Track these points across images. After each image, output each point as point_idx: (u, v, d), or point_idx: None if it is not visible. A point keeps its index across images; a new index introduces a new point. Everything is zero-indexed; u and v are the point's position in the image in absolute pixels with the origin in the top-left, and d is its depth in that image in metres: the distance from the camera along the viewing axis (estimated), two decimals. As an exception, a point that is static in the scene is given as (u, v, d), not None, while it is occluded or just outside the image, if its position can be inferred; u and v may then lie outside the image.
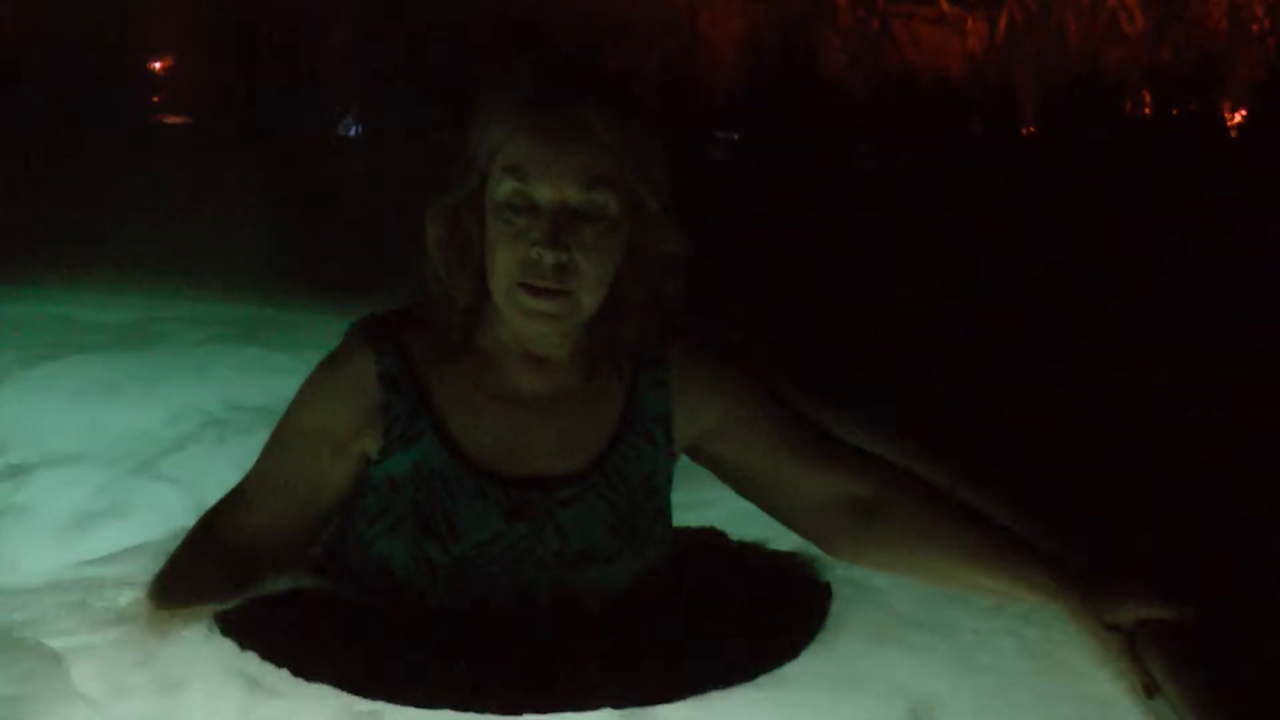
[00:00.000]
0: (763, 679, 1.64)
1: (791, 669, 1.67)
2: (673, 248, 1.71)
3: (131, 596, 1.69)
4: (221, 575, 1.68)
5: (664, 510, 1.80)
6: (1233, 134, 6.55)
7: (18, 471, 2.53)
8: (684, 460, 1.85)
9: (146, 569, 1.72)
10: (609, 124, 1.61)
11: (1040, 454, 2.51)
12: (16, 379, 3.04)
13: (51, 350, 3.32)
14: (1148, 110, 6.44)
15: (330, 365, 1.75)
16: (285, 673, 1.55)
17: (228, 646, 1.59)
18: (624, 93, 1.67)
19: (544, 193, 1.61)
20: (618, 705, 1.56)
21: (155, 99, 6.62)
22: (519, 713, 1.52)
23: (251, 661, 1.57)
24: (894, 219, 5.04)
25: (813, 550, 1.89)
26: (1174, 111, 6.21)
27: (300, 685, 1.54)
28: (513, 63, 1.69)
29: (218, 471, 1.80)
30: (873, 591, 1.85)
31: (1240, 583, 1.89)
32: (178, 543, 1.75)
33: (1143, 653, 1.61)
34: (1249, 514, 2.21)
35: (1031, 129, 6.47)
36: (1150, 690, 1.60)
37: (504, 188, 1.62)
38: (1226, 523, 2.18)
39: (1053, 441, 2.62)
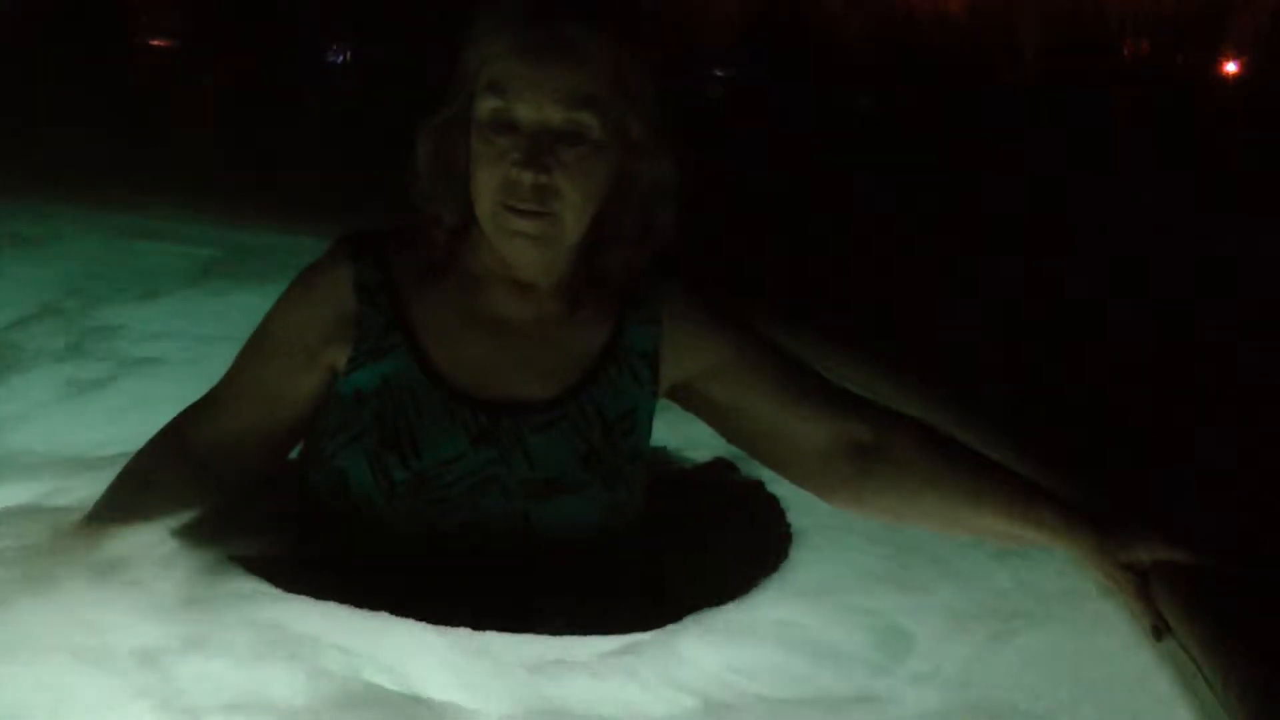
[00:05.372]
0: (710, 623, 1.60)
1: (746, 614, 1.64)
2: (663, 175, 1.65)
3: (87, 502, 1.66)
4: (179, 483, 1.65)
5: (640, 450, 1.74)
6: (1228, 82, 6.55)
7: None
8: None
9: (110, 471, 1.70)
10: (595, 44, 1.57)
11: (1041, 403, 2.49)
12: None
13: (33, 264, 3.27)
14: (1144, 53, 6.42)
15: (308, 273, 1.73)
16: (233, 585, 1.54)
17: (179, 558, 1.57)
18: (616, 13, 1.62)
19: (524, 112, 1.57)
20: (555, 632, 1.53)
21: (139, 20, 6.54)
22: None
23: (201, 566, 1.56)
24: (889, 159, 5.02)
25: (790, 492, 1.86)
26: (1178, 56, 6.19)
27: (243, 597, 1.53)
28: None
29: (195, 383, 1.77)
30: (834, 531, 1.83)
31: (1254, 527, 1.87)
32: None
33: (1155, 594, 1.59)
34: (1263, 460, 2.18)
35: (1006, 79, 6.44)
36: (1160, 632, 1.58)
37: (486, 106, 1.59)
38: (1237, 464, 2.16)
39: (1054, 389, 2.59)
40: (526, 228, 1.58)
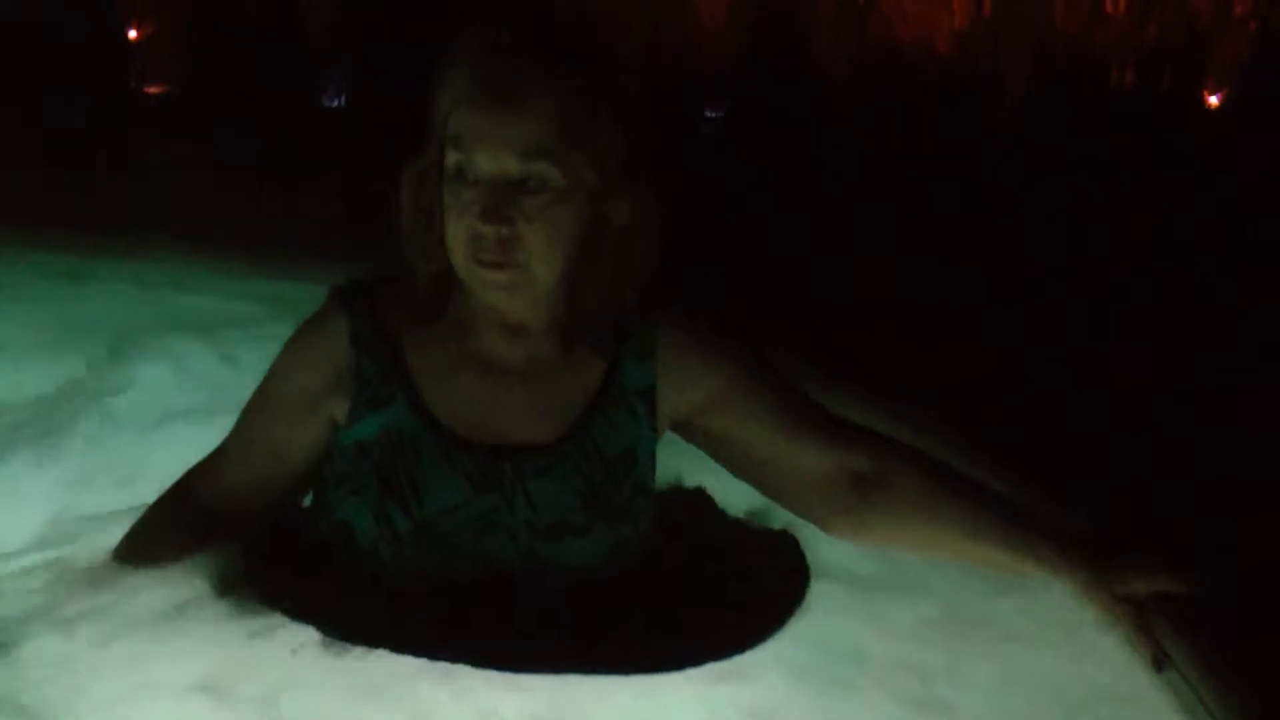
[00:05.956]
0: (723, 663, 1.62)
1: (757, 654, 1.66)
2: (638, 215, 1.66)
3: (102, 550, 1.71)
4: (189, 533, 1.68)
5: (643, 486, 1.76)
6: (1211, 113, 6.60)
7: (15, 430, 2.53)
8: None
9: (122, 524, 1.74)
10: (548, 94, 1.57)
11: (1038, 431, 2.52)
12: (20, 340, 3.02)
13: (60, 314, 3.29)
14: (1129, 86, 6.47)
15: (305, 327, 1.76)
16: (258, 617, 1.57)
17: (192, 601, 1.60)
18: (572, 61, 1.61)
19: (483, 164, 1.58)
20: (573, 671, 1.55)
21: (135, 68, 6.56)
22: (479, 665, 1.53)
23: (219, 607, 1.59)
24: (884, 193, 5.05)
25: (793, 523, 1.88)
26: (1162, 87, 6.25)
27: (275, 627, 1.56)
28: (467, 27, 1.64)
29: (214, 433, 1.80)
30: (851, 576, 1.84)
31: (1248, 554, 1.89)
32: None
33: (1154, 625, 1.61)
34: (1256, 490, 2.21)
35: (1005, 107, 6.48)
36: (1160, 663, 1.60)
37: (450, 159, 1.61)
38: (1232, 497, 2.18)
39: (1051, 417, 2.62)
40: (496, 279, 1.60)
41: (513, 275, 1.60)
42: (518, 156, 1.57)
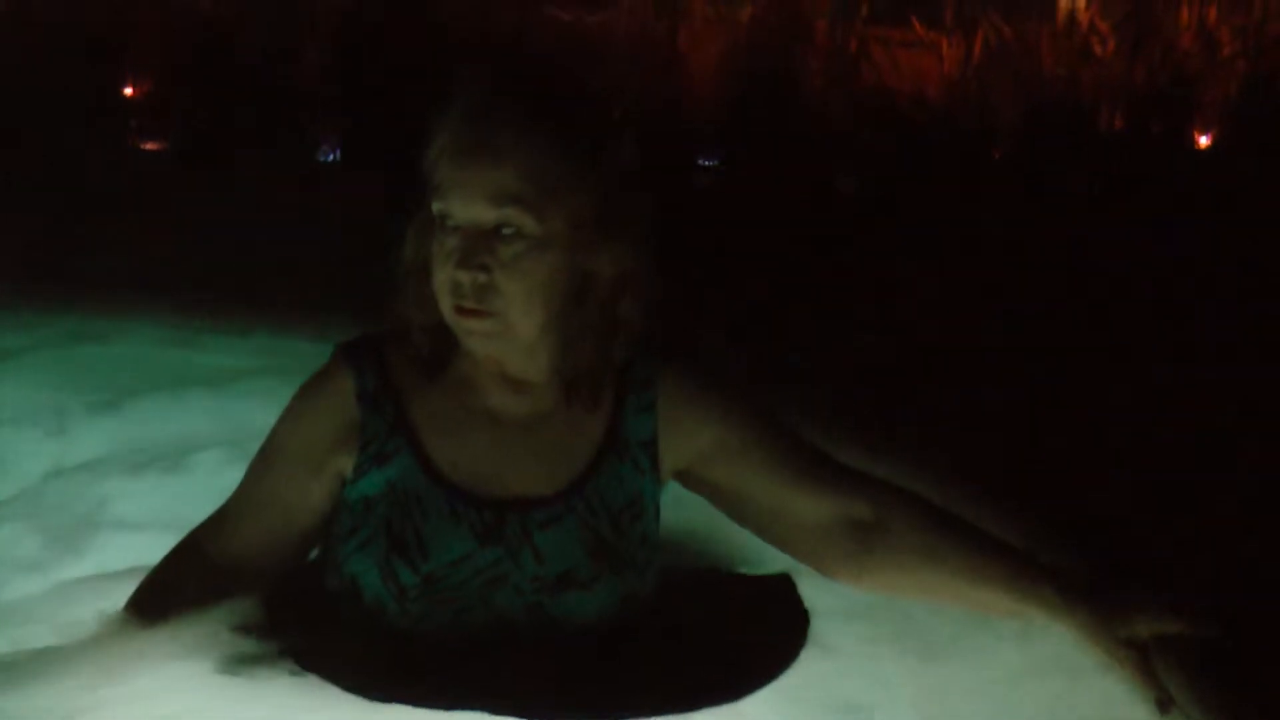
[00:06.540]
0: (726, 708, 1.63)
1: (760, 698, 1.66)
2: (623, 268, 1.68)
3: (111, 610, 1.71)
4: (198, 591, 1.67)
5: (648, 536, 1.77)
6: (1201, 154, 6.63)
7: (18, 491, 2.53)
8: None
9: (131, 584, 1.75)
10: (521, 144, 1.59)
11: (1038, 465, 2.52)
12: (21, 400, 3.02)
13: (62, 373, 3.29)
14: (1118, 128, 6.51)
15: (311, 384, 1.78)
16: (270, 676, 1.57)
17: (204, 656, 1.60)
18: (551, 112, 1.64)
19: (460, 213, 1.61)
20: None
21: (132, 124, 6.60)
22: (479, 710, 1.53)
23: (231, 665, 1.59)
24: (874, 238, 5.07)
25: (794, 568, 1.89)
26: (1152, 129, 6.28)
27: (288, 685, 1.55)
28: (457, 82, 1.68)
29: (222, 491, 1.81)
30: (851, 616, 1.85)
31: (1251, 593, 1.89)
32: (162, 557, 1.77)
33: (1156, 666, 1.61)
34: (1256, 521, 2.21)
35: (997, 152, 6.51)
36: (1164, 705, 1.60)
37: (435, 208, 1.64)
38: (1234, 530, 2.19)
39: (1050, 451, 2.63)
40: (474, 327, 1.62)
41: (490, 324, 1.62)
42: (489, 203, 1.59)
